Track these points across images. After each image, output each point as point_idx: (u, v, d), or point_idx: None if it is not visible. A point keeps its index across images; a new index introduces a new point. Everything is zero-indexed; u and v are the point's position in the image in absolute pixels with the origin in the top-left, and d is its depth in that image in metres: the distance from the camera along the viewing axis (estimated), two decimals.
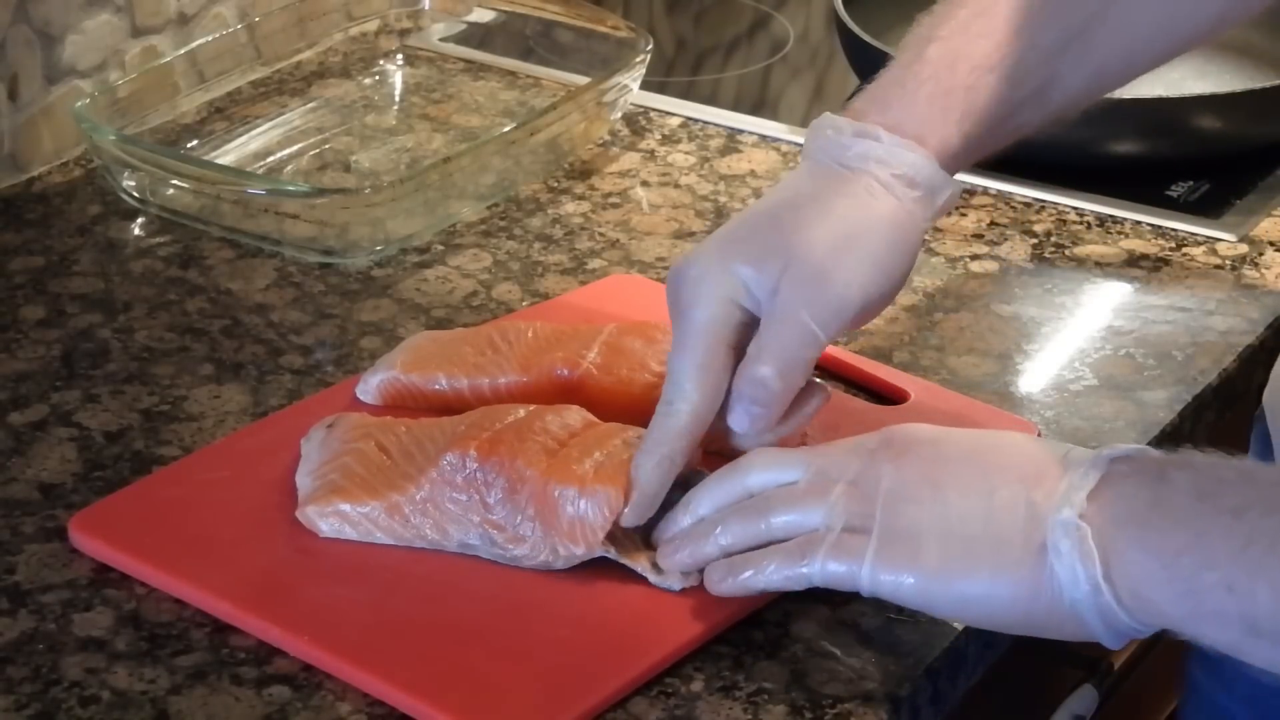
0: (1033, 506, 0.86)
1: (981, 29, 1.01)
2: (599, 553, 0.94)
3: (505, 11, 1.58)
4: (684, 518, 0.95)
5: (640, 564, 0.95)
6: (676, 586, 0.94)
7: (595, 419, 1.00)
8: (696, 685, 0.91)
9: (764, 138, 1.43)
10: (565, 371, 1.06)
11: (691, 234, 1.30)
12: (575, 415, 0.99)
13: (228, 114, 1.44)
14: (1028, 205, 1.35)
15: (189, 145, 1.40)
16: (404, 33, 1.57)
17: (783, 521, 0.91)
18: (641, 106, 1.47)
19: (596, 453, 0.96)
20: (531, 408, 1.00)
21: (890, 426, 0.94)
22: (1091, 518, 0.84)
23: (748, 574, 0.91)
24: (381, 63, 1.53)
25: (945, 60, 1.01)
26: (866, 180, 0.99)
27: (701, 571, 0.94)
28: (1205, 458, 0.85)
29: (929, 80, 1.01)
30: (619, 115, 1.42)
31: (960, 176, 1.38)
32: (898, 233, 0.99)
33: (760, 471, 0.94)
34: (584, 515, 0.94)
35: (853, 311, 0.97)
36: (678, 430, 0.95)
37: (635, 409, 1.03)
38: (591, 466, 0.95)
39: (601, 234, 1.30)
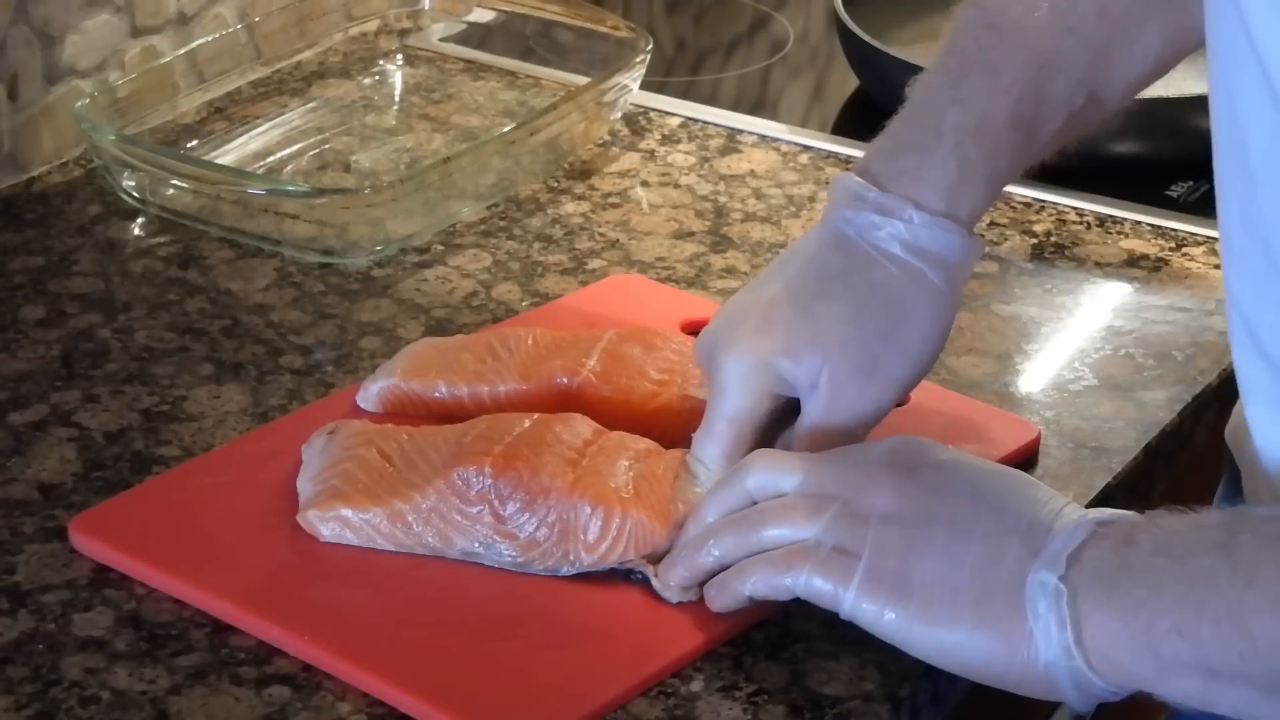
0: (1020, 562, 0.86)
1: (1000, 87, 0.99)
2: (610, 565, 0.95)
3: (505, 11, 1.58)
4: (691, 526, 0.96)
5: (649, 568, 0.95)
6: (675, 599, 0.94)
7: (601, 427, 1.00)
8: (696, 685, 0.91)
9: (764, 138, 1.43)
10: (565, 380, 1.06)
11: (691, 234, 1.30)
12: (583, 425, 0.99)
13: (228, 114, 1.44)
14: (1028, 205, 1.35)
15: (189, 145, 1.40)
16: (404, 33, 1.57)
17: (774, 535, 0.92)
18: (641, 106, 1.47)
19: (621, 462, 0.97)
20: (536, 417, 1.00)
21: (897, 437, 0.94)
22: (1069, 581, 0.84)
23: (734, 583, 0.92)
24: (381, 63, 1.53)
25: (969, 128, 0.98)
26: (900, 265, 0.98)
27: (703, 586, 0.94)
28: (1170, 515, 0.85)
29: (956, 149, 0.98)
30: (619, 115, 1.42)
31: None
32: (934, 319, 0.99)
33: (758, 474, 0.94)
34: (615, 537, 0.95)
35: (891, 404, 0.99)
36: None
37: (634, 417, 1.03)
38: (625, 484, 0.96)
39: (601, 234, 1.30)
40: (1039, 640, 0.84)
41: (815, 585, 0.89)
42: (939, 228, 0.98)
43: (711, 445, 0.98)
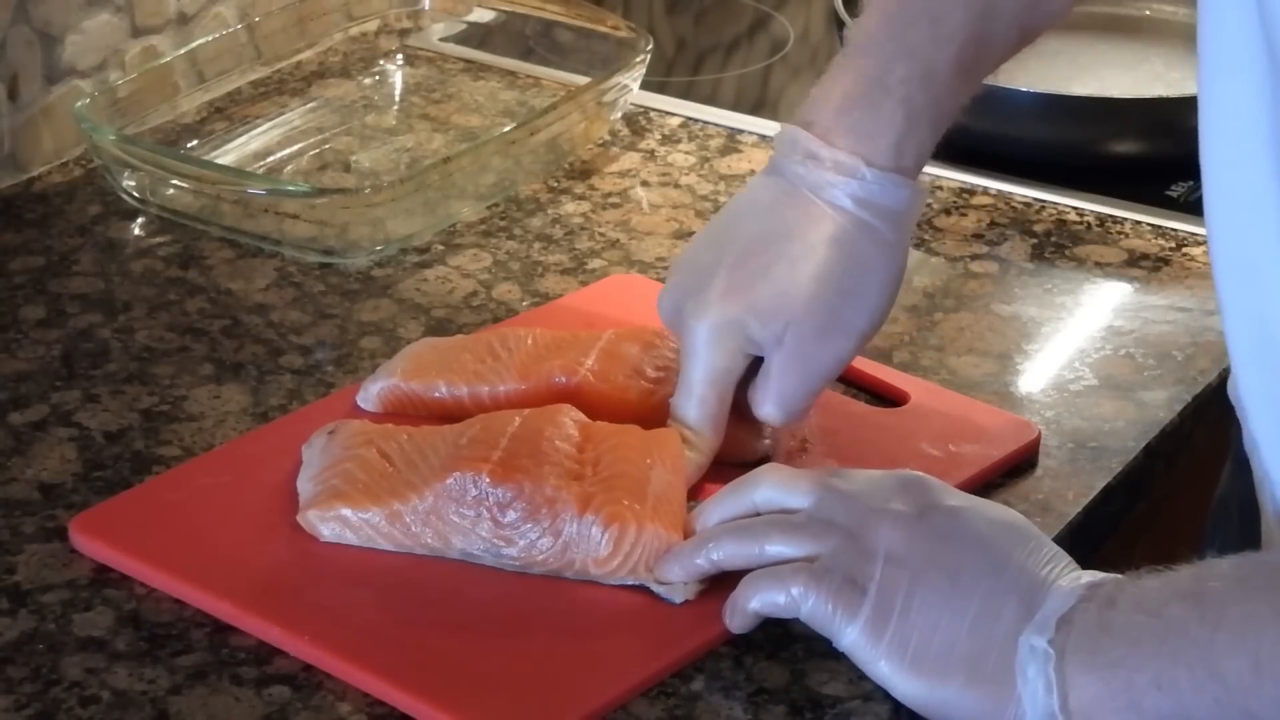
0: (1016, 623, 0.86)
1: (944, 36, 1.01)
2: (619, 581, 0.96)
3: (505, 11, 1.58)
4: (693, 528, 0.96)
5: (647, 577, 0.95)
6: (677, 599, 0.94)
7: (587, 419, 1.01)
8: (696, 685, 0.91)
9: (764, 138, 1.43)
10: (563, 379, 1.06)
11: (691, 234, 1.30)
12: (571, 425, 0.99)
13: (228, 114, 1.44)
14: (1028, 205, 1.35)
15: (189, 145, 1.40)
16: (404, 33, 1.57)
17: (777, 551, 0.92)
18: (641, 106, 1.47)
19: (626, 471, 0.97)
20: (526, 413, 1.00)
21: (905, 473, 0.94)
22: (1057, 644, 0.84)
23: (740, 600, 0.92)
24: (381, 63, 1.53)
25: (916, 79, 1.01)
26: (854, 221, 1.00)
27: (703, 583, 0.94)
28: (1148, 574, 0.85)
29: (904, 102, 1.01)
30: (619, 115, 1.42)
31: (960, 176, 1.39)
32: (888, 270, 1.02)
33: (768, 490, 0.95)
34: (629, 553, 0.95)
35: (852, 356, 1.02)
36: (697, 469, 1.01)
37: (630, 414, 1.03)
38: (639, 498, 0.96)
39: (601, 234, 1.30)
40: (1025, 704, 0.84)
41: (821, 610, 0.89)
42: (890, 182, 1.01)
43: (695, 408, 1.01)
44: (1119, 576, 0.86)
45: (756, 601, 0.91)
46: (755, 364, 1.02)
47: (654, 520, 0.95)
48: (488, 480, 0.96)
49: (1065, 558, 0.89)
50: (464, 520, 0.96)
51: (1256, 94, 0.85)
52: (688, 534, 0.96)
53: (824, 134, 1.01)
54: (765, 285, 1.00)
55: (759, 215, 1.02)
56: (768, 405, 1.01)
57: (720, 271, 1.01)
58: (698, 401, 1.01)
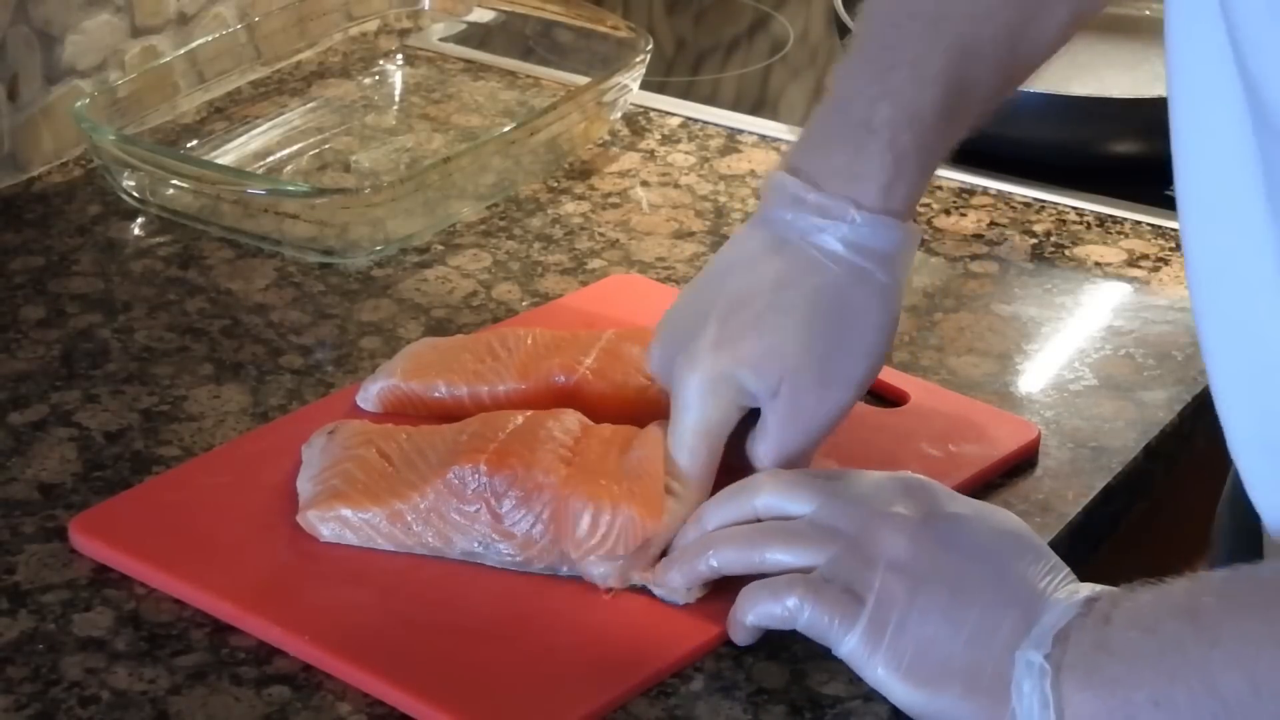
0: (1014, 635, 0.85)
1: (928, 79, 0.99)
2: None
3: (505, 11, 1.58)
4: (691, 531, 0.96)
5: (645, 577, 0.95)
6: (679, 601, 0.94)
7: (590, 422, 1.00)
8: (696, 685, 0.91)
9: (764, 138, 1.43)
10: (562, 378, 1.06)
11: (691, 234, 1.30)
12: (573, 420, 0.99)
13: (228, 114, 1.44)
14: (1028, 205, 1.35)
15: (189, 145, 1.40)
16: (404, 33, 1.57)
17: (777, 559, 0.92)
18: (641, 106, 1.47)
19: (612, 457, 0.97)
20: (529, 413, 1.00)
21: (907, 476, 0.94)
22: (1054, 660, 0.83)
23: (738, 614, 0.92)
24: (381, 63, 1.53)
25: (901, 121, 0.98)
26: (846, 266, 0.98)
27: (705, 587, 0.94)
28: (1142, 588, 0.84)
29: (890, 144, 0.98)
30: (619, 115, 1.42)
31: (960, 176, 1.39)
32: (882, 314, 0.99)
33: (768, 495, 0.94)
34: (604, 534, 0.94)
35: (850, 405, 0.99)
36: (677, 520, 0.97)
37: (629, 412, 1.03)
38: (617, 480, 0.96)
39: (601, 234, 1.30)
40: (1020, 719, 0.84)
41: (818, 620, 0.89)
42: (880, 225, 0.98)
43: (685, 458, 0.98)
44: (1115, 590, 0.86)
45: (753, 616, 0.91)
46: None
47: (628, 502, 0.95)
48: (484, 469, 0.96)
49: (1064, 569, 0.89)
50: (463, 517, 0.96)
51: (1224, 101, 0.84)
52: (674, 528, 0.96)
53: (810, 179, 0.99)
54: (757, 336, 0.98)
55: (747, 265, 1.00)
56: (768, 461, 0.98)
57: (710, 323, 0.98)
58: (689, 453, 0.98)
